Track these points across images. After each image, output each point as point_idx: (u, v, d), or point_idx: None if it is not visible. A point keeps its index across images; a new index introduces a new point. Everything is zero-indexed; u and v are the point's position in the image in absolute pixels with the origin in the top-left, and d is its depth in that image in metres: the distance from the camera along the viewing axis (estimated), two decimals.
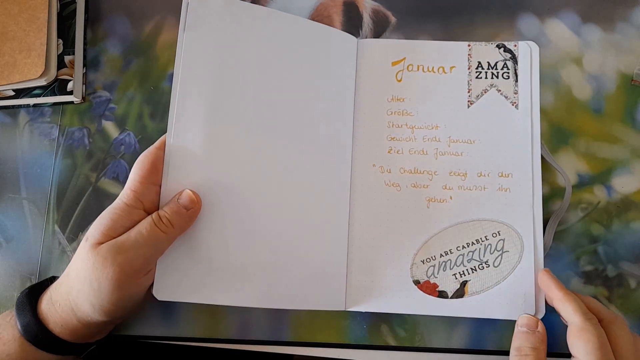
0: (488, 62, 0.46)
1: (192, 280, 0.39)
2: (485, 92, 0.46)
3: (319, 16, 0.51)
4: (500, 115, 0.45)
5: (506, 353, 0.42)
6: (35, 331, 0.38)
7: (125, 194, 0.39)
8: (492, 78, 0.46)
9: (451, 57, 0.47)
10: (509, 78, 0.46)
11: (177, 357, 0.46)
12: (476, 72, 0.46)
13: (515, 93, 0.45)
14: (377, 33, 0.50)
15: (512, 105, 0.45)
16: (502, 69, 0.46)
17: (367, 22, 0.51)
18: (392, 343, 0.43)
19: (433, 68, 0.47)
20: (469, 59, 0.47)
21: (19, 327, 0.38)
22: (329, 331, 0.44)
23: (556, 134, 0.46)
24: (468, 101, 0.46)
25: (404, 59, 0.47)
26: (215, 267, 0.39)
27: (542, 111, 0.46)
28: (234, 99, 0.42)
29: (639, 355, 0.37)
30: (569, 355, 0.37)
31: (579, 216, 0.45)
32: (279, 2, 0.52)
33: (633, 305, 0.43)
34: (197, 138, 0.40)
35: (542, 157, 0.45)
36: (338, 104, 0.45)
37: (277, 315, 0.44)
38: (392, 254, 0.43)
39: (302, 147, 0.43)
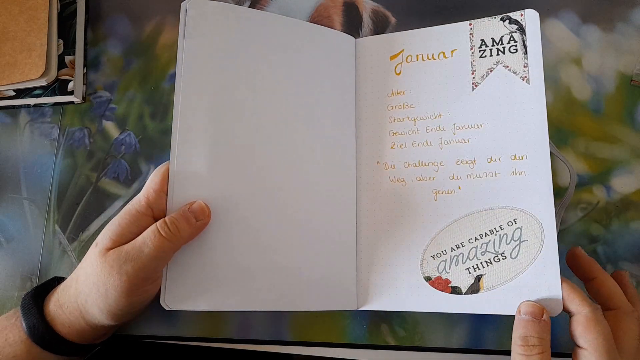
0: (492, 39, 0.43)
1: (202, 288, 0.39)
2: (491, 71, 0.43)
3: (319, 17, 0.51)
4: (509, 92, 0.42)
5: (506, 353, 0.42)
6: (42, 332, 0.38)
7: (137, 200, 0.39)
8: (497, 55, 0.43)
9: (451, 40, 0.45)
10: (516, 51, 0.42)
11: (178, 356, 0.46)
12: (480, 51, 0.43)
13: (525, 67, 0.42)
14: (377, 33, 0.50)
15: (523, 80, 0.42)
16: (508, 42, 0.43)
17: (367, 22, 0.51)
18: (392, 343, 0.44)
19: (433, 55, 0.45)
20: (470, 39, 0.44)
21: (25, 328, 0.38)
22: (329, 331, 0.44)
23: (556, 134, 0.46)
24: (472, 83, 0.43)
25: (402, 51, 0.46)
26: (225, 273, 0.39)
27: None
28: (235, 105, 0.42)
29: (638, 354, 0.37)
30: (568, 355, 0.37)
31: (578, 216, 0.45)
32: (279, 2, 0.52)
33: None
34: (202, 145, 0.40)
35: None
36: (339, 105, 0.45)
37: (277, 315, 0.45)
38: (402, 251, 0.42)
39: (306, 150, 0.43)
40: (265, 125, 0.42)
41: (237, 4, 0.53)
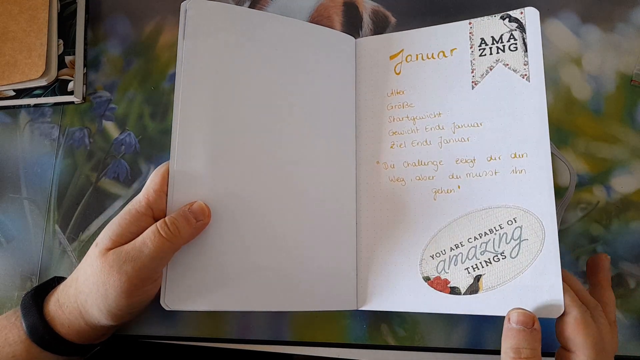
0: (492, 37, 0.43)
1: (202, 288, 0.39)
2: (490, 69, 0.42)
3: (319, 17, 0.51)
4: (509, 91, 0.42)
5: None
6: (42, 332, 0.38)
7: (137, 200, 0.39)
8: (497, 53, 0.42)
9: (451, 39, 0.44)
10: (516, 49, 0.42)
11: (178, 356, 0.46)
12: (479, 49, 0.43)
13: (525, 65, 0.41)
14: (377, 33, 0.50)
15: (523, 77, 0.41)
16: (508, 41, 0.42)
17: (367, 22, 0.51)
18: (392, 343, 0.43)
19: (432, 54, 0.45)
20: (470, 38, 0.44)
21: (25, 328, 0.38)
22: (329, 331, 0.44)
23: (556, 134, 0.46)
24: (472, 82, 0.43)
25: (402, 51, 0.46)
26: (225, 273, 0.39)
27: None
28: (235, 106, 0.42)
29: (614, 342, 0.37)
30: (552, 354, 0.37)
31: (578, 216, 0.45)
32: (279, 2, 0.52)
33: (633, 305, 0.43)
34: (202, 145, 0.40)
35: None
36: (339, 105, 0.45)
37: (277, 315, 0.45)
38: (401, 251, 0.42)
39: (306, 151, 0.43)
40: (265, 125, 0.42)
41: (237, 4, 0.53)
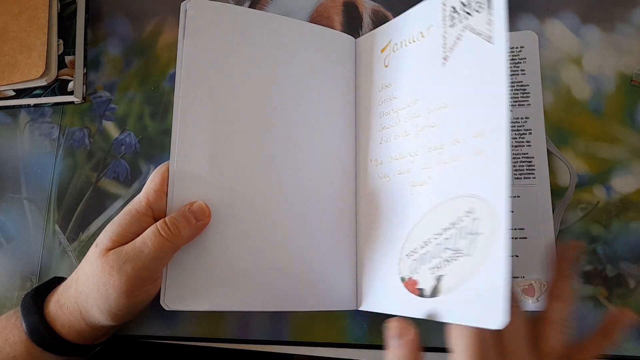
0: (461, 2, 0.36)
1: (202, 288, 0.39)
2: (459, 39, 0.36)
3: (319, 17, 0.51)
4: (475, 59, 0.35)
5: None
6: (42, 333, 0.38)
7: (137, 201, 0.39)
8: (466, 19, 0.36)
9: (428, 16, 0.40)
10: (482, 9, 0.35)
11: (178, 356, 0.46)
12: (450, 19, 0.37)
13: (488, 24, 0.34)
14: None
15: (487, 40, 0.34)
16: (476, 2, 0.35)
17: (367, 22, 0.51)
18: None
19: (413, 38, 0.41)
20: (443, 10, 0.38)
21: (25, 328, 0.38)
22: (329, 331, 0.44)
23: (556, 134, 0.46)
24: (443, 58, 0.37)
25: (390, 41, 0.44)
26: (225, 273, 0.39)
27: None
28: (236, 106, 0.42)
29: (548, 343, 0.33)
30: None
31: (578, 216, 0.45)
32: (279, 2, 0.52)
33: (632, 305, 0.43)
34: (202, 145, 0.40)
35: (548, 151, 0.44)
36: (339, 105, 0.45)
37: (277, 315, 0.45)
38: (386, 250, 0.40)
39: (306, 151, 0.43)
40: (265, 125, 0.42)
41: (237, 4, 0.53)
